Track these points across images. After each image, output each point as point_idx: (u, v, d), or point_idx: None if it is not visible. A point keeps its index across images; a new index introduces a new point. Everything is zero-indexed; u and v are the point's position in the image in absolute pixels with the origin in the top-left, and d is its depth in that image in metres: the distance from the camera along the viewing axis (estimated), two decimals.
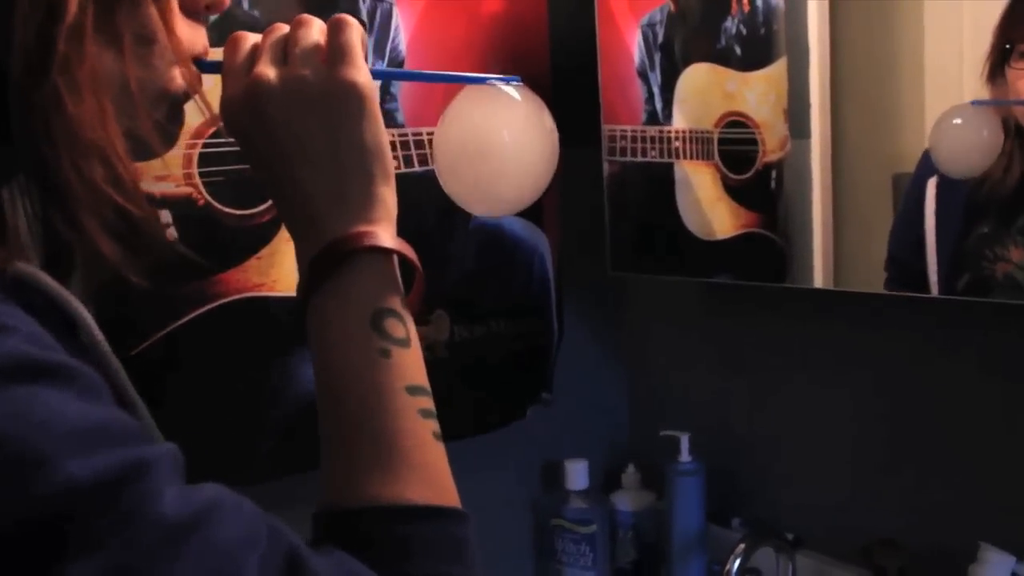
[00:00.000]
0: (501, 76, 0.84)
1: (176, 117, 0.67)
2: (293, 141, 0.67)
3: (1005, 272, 1.07)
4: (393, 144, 1.35)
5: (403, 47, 1.35)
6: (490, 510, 1.59)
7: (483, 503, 1.57)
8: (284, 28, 0.69)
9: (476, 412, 1.50)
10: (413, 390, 0.66)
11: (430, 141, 1.38)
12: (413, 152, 1.37)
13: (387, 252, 0.68)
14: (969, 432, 1.25)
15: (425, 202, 1.38)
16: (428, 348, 1.41)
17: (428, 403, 0.68)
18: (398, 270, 0.69)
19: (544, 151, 0.88)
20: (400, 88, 1.35)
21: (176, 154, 1.20)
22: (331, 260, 0.66)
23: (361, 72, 0.67)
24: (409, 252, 0.70)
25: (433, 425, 0.68)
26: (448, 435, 1.52)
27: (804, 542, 1.41)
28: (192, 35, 0.66)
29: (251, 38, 0.70)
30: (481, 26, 1.42)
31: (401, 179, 1.37)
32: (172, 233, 1.21)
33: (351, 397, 0.65)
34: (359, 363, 0.65)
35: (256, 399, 1.27)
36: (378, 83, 1.32)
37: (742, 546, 1.33)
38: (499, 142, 0.84)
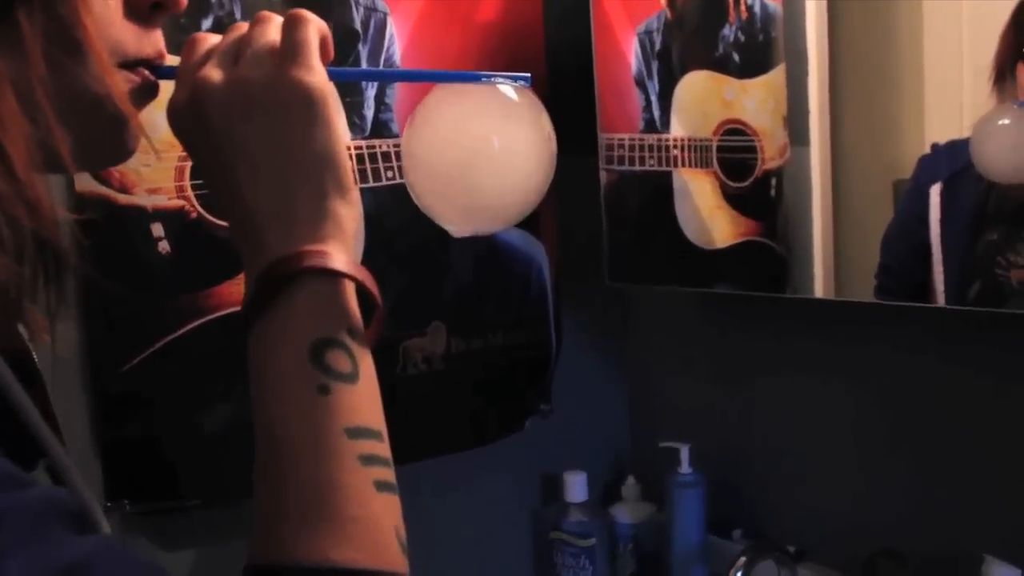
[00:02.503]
0: (508, 74, 0.74)
1: (118, 129, 0.60)
2: (234, 149, 0.61)
3: (1021, 279, 1.06)
4: (388, 154, 1.34)
5: (397, 57, 1.34)
6: (488, 522, 1.59)
7: (481, 515, 1.58)
8: (244, 27, 0.64)
9: (474, 424, 1.49)
10: (355, 433, 0.59)
11: None
12: None
13: (333, 275, 0.61)
14: (973, 443, 1.24)
15: (420, 212, 1.37)
16: (425, 360, 1.40)
17: (374, 448, 0.60)
18: (352, 296, 0.62)
19: (541, 161, 0.81)
20: (395, 97, 1.34)
21: (168, 167, 1.19)
22: (271, 282, 0.60)
23: (312, 73, 0.61)
24: (363, 276, 0.62)
25: (377, 473, 0.60)
26: (447, 447, 1.51)
27: (806, 554, 1.40)
28: (138, 39, 0.60)
29: (210, 39, 0.65)
30: (476, 34, 1.41)
31: (396, 189, 1.37)
32: (164, 246, 1.20)
33: (281, 439, 0.58)
34: (293, 400, 0.59)
35: (251, 413, 1.26)
36: (373, 86, 1.32)
37: (743, 559, 1.32)
38: (487, 150, 0.77)
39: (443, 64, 1.39)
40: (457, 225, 0.92)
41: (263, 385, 0.60)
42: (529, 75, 0.73)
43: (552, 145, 0.83)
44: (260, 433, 0.59)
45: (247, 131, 0.60)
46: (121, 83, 0.59)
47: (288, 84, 0.60)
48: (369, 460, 0.59)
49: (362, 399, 0.60)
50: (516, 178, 0.81)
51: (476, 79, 0.74)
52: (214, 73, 0.61)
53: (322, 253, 0.60)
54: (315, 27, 0.62)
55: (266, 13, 0.64)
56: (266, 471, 0.58)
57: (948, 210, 1.13)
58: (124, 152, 0.62)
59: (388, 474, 0.61)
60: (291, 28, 0.62)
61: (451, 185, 0.80)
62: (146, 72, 0.61)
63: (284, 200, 0.61)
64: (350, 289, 0.61)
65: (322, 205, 0.61)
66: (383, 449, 0.61)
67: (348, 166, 0.64)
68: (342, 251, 0.62)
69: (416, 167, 0.83)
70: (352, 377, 0.60)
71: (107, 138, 0.60)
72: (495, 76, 0.73)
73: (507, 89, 0.76)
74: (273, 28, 0.63)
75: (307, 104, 0.61)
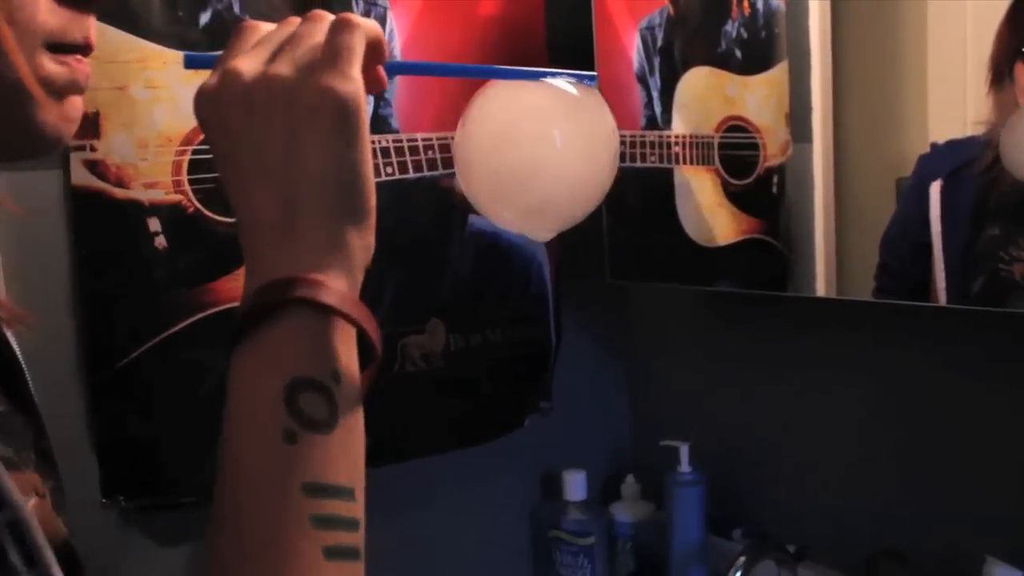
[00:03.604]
0: (574, 71, 0.69)
1: (30, 117, 0.53)
2: (250, 151, 0.57)
3: None
4: (387, 150, 1.33)
5: (398, 51, 1.33)
6: (487, 521, 1.58)
7: (480, 514, 1.57)
8: (296, 23, 0.60)
9: (473, 422, 1.48)
10: (316, 490, 0.53)
11: (425, 147, 1.36)
12: (408, 158, 1.35)
13: (326, 310, 0.55)
14: (975, 444, 1.24)
15: (420, 209, 1.37)
16: (424, 358, 1.40)
17: (337, 508, 0.54)
18: (347, 335, 0.57)
19: (606, 158, 0.76)
20: (394, 93, 1.33)
21: (165, 161, 1.19)
22: (259, 306, 0.55)
23: (346, 81, 0.56)
24: (359, 316, 0.56)
25: (333, 538, 0.54)
26: (446, 445, 1.50)
27: (806, 554, 1.39)
28: (68, 23, 0.53)
29: (261, 29, 0.60)
30: (477, 29, 1.41)
31: (395, 185, 1.36)
32: (161, 241, 1.19)
33: (233, 481, 0.53)
34: (254, 442, 0.53)
35: None
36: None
37: (743, 558, 1.32)
38: (550, 148, 0.72)
39: (444, 59, 1.38)
40: (517, 227, 0.88)
41: (230, 416, 0.56)
42: (595, 74, 0.70)
43: (616, 142, 0.79)
44: (220, 466, 0.55)
45: (266, 133, 0.56)
46: (45, 67, 0.52)
47: (317, 90, 0.56)
48: (326, 522, 0.53)
49: (334, 453, 0.54)
50: (581, 176, 0.77)
51: (540, 76, 0.70)
52: (246, 65, 0.57)
53: (318, 284, 0.55)
54: (362, 33, 0.58)
55: (320, 12, 0.60)
56: (215, 509, 0.54)
57: (949, 207, 1.12)
58: (40, 142, 0.54)
59: (349, 539, 0.55)
60: (336, 32, 0.58)
61: (512, 185, 0.75)
62: (77, 57, 0.55)
63: (290, 216, 0.56)
64: (345, 328, 0.56)
65: (332, 229, 0.57)
66: (350, 510, 0.55)
67: (371, 191, 0.58)
68: (344, 284, 0.57)
69: (472, 167, 0.79)
70: (326, 426, 0.54)
71: (17, 126, 0.53)
72: (560, 74, 0.69)
73: (561, 83, 0.71)
74: (322, 29, 0.59)
75: (333, 114, 0.56)
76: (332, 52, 0.57)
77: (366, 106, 0.57)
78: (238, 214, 0.58)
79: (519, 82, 0.69)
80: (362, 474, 0.57)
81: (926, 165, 1.15)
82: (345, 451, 0.56)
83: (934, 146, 1.14)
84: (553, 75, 0.70)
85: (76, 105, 0.56)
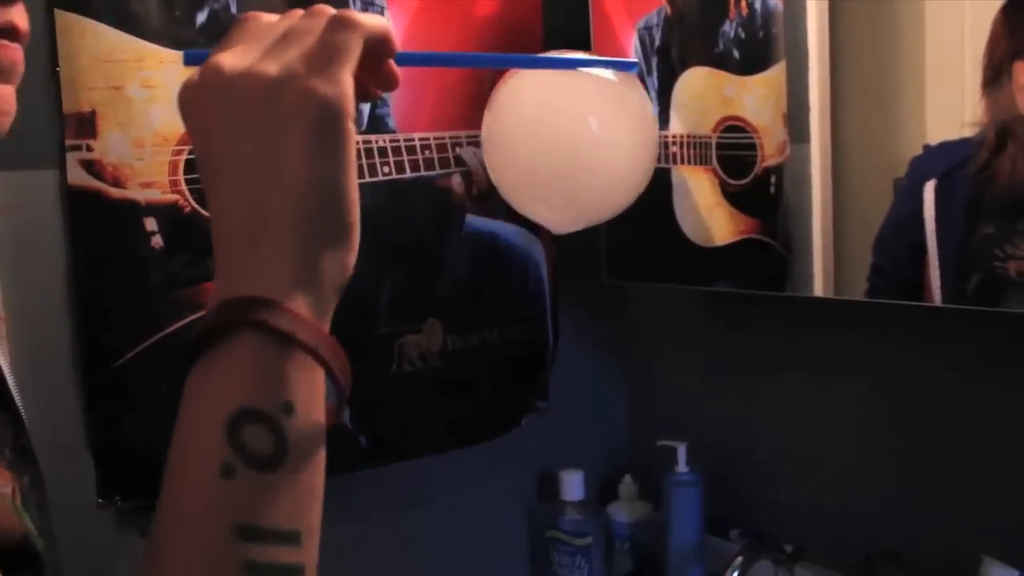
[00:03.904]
0: (613, 59, 0.65)
1: None
2: (224, 153, 0.52)
3: (1019, 270, 1.06)
4: (384, 150, 1.33)
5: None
6: (484, 521, 1.58)
7: (477, 514, 1.57)
8: (297, 16, 0.56)
9: (471, 422, 1.48)
10: (250, 533, 0.48)
11: (422, 146, 1.36)
12: (405, 158, 1.35)
13: (280, 336, 0.50)
14: (972, 444, 1.24)
15: (417, 209, 1.37)
16: (421, 357, 1.39)
17: (276, 555, 0.49)
18: (308, 365, 0.51)
19: (647, 146, 0.70)
20: (391, 92, 1.33)
21: (161, 160, 1.18)
22: (212, 326, 0.50)
23: (332, 84, 0.51)
24: (322, 345, 0.51)
25: None
26: (443, 445, 1.51)
27: (803, 554, 1.39)
28: None
29: (262, 22, 0.56)
30: (474, 29, 1.40)
31: (392, 185, 1.36)
32: (158, 241, 1.19)
33: (167, 516, 0.49)
34: (190, 473, 0.49)
35: None
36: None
37: (740, 558, 1.32)
38: (588, 134, 0.66)
39: None
40: (546, 219, 0.83)
41: (173, 443, 0.51)
42: (636, 61, 0.66)
43: (656, 133, 0.74)
44: (161, 490, 0.51)
45: (241, 135, 0.52)
46: None
47: (298, 91, 0.51)
48: (259, 570, 0.48)
49: (279, 493, 0.49)
50: (620, 167, 0.73)
51: (578, 65, 0.63)
52: (229, 60, 0.53)
53: (276, 307, 0.50)
54: (360, 33, 0.53)
55: (322, 7, 0.56)
56: (152, 528, 0.50)
57: (943, 206, 1.13)
58: None
59: None
60: (330, 30, 0.53)
61: (546, 174, 0.70)
62: (3, 43, 0.53)
63: (258, 227, 0.51)
64: (305, 357, 0.51)
65: (302, 246, 0.51)
66: (293, 556, 0.50)
67: (352, 206, 0.53)
68: (308, 308, 0.51)
69: (502, 154, 0.74)
70: (269, 463, 0.49)
71: None
72: (599, 62, 0.66)
73: (605, 72, 0.68)
74: (319, 25, 0.54)
75: (313, 119, 0.51)
76: (321, 52, 0.52)
77: (353, 112, 0.53)
78: (211, 219, 0.54)
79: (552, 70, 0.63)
80: (315, 517, 0.52)
81: (919, 166, 1.15)
82: (293, 492, 0.50)
83: (927, 147, 1.14)
84: (589, 64, 0.63)
85: (4, 96, 0.53)
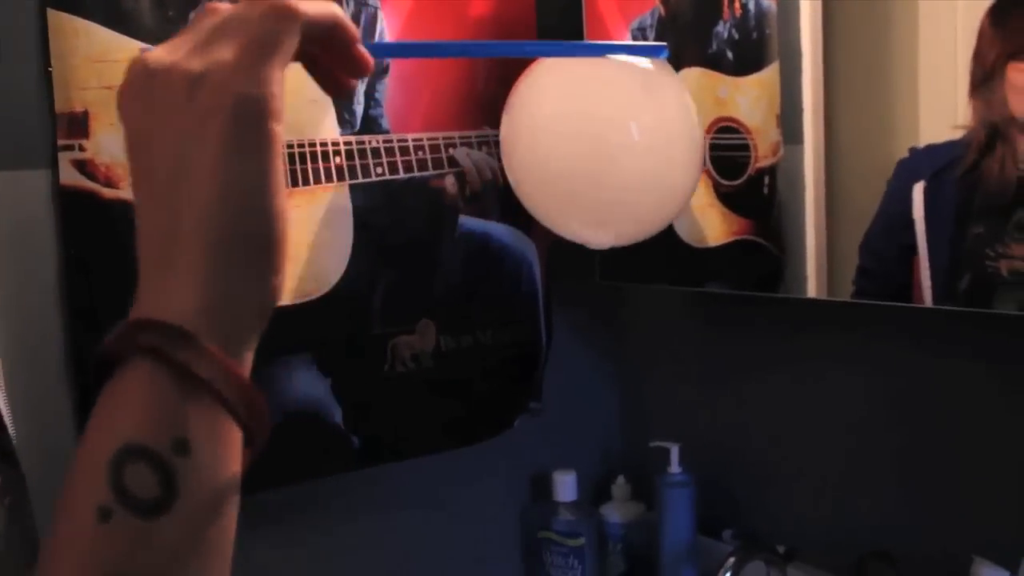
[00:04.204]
0: (638, 43, 0.57)
1: None
2: (146, 156, 0.47)
3: (1011, 268, 1.07)
4: (377, 151, 1.33)
5: None
6: (477, 522, 1.58)
7: (470, 514, 1.57)
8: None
9: (464, 423, 1.48)
10: None
11: (416, 147, 1.36)
12: (398, 159, 1.35)
13: (176, 367, 0.44)
14: (962, 445, 1.24)
15: (411, 210, 1.36)
16: (414, 358, 1.39)
17: None
18: (212, 401, 0.45)
19: (691, 146, 0.59)
20: (385, 93, 1.33)
21: None
22: (107, 351, 0.46)
23: (251, 80, 0.46)
24: (222, 378, 0.45)
25: None
26: (436, 446, 1.50)
27: (796, 555, 1.39)
28: None
29: (217, 10, 0.50)
30: (468, 29, 1.40)
31: (385, 186, 1.36)
32: None
33: (41, 565, 0.44)
34: (67, 514, 0.44)
35: None
36: (363, 81, 1.30)
37: (732, 559, 1.32)
38: (626, 139, 0.56)
39: (435, 59, 1.38)
40: (579, 234, 0.68)
41: (64, 478, 0.46)
42: (665, 44, 0.57)
43: (700, 127, 0.60)
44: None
45: (160, 137, 0.47)
46: None
47: (216, 88, 0.46)
48: None
49: (162, 541, 0.43)
50: (660, 172, 0.60)
51: (598, 52, 0.56)
52: (157, 55, 0.48)
53: (174, 334, 0.44)
54: (296, 22, 0.48)
55: None
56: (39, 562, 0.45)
57: (933, 207, 1.13)
58: None
59: None
60: (261, 20, 0.48)
61: (578, 181, 0.57)
62: None
63: (170, 243, 0.46)
64: (201, 390, 0.45)
65: (214, 266, 0.45)
66: None
67: (277, 221, 0.47)
68: (218, 338, 0.45)
69: (524, 159, 0.60)
70: (153, 509, 0.43)
71: None
72: (621, 47, 0.57)
73: (639, 60, 0.55)
74: (255, 14, 0.48)
75: (231, 120, 0.46)
76: (251, 45, 0.47)
77: (280, 113, 0.47)
78: (138, 229, 0.48)
79: (580, 58, 0.53)
80: (211, 570, 0.45)
81: (906, 168, 1.15)
82: (181, 542, 0.44)
83: (912, 150, 1.15)
84: (614, 51, 0.56)
85: None
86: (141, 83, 0.48)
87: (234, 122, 0.46)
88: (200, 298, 0.45)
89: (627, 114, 0.54)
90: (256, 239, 0.46)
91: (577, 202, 0.58)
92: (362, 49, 0.53)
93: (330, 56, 0.52)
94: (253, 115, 0.46)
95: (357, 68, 0.54)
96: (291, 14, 0.48)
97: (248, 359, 0.48)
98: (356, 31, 0.52)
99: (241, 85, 0.46)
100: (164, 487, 0.43)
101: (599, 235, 0.64)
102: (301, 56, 0.51)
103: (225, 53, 0.47)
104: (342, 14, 0.51)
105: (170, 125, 0.46)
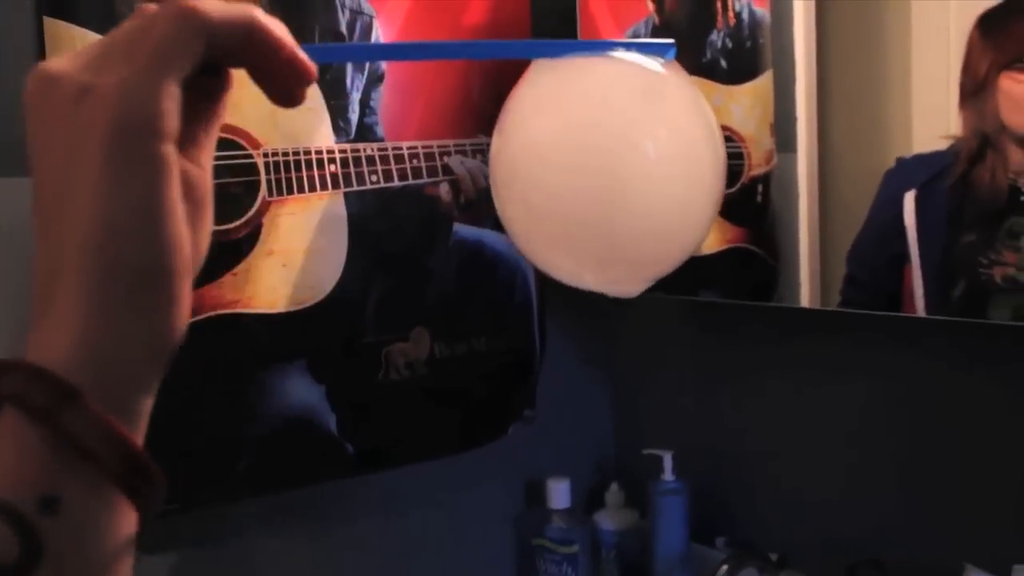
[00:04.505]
0: (640, 40, 0.50)
1: None
2: (37, 175, 0.43)
3: (1004, 275, 1.07)
4: (371, 159, 1.33)
5: (382, 63, 1.33)
6: (471, 529, 1.58)
7: (464, 521, 1.57)
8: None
9: (458, 430, 1.48)
10: None
11: (410, 155, 1.36)
12: (393, 167, 1.35)
13: (40, 414, 0.39)
14: (955, 453, 1.24)
15: (405, 217, 1.37)
16: (408, 366, 1.39)
17: None
18: (85, 454, 0.39)
19: (713, 165, 0.51)
20: (380, 101, 1.33)
21: None
22: None
23: (137, 92, 0.40)
24: (94, 431, 0.40)
25: None
26: (430, 453, 1.50)
27: (788, 562, 1.39)
28: None
29: (146, 12, 0.44)
30: (463, 38, 1.41)
31: (380, 194, 1.36)
32: None
33: None
34: None
35: (232, 417, 1.25)
36: (358, 89, 1.30)
37: (725, 567, 1.32)
38: (637, 161, 0.47)
39: (429, 67, 1.38)
40: (590, 279, 0.59)
41: None
42: (671, 42, 0.51)
43: (721, 138, 0.53)
44: None
45: (48, 155, 0.42)
46: None
47: (99, 101, 0.41)
48: None
49: None
50: (681, 198, 0.51)
51: (596, 49, 0.48)
52: (52, 64, 0.43)
53: (44, 379, 0.39)
54: (192, 27, 0.42)
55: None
56: None
57: (924, 216, 1.14)
58: None
59: None
60: (162, 24, 0.42)
61: (584, 218, 0.49)
62: None
63: (52, 274, 0.41)
64: (65, 441, 0.39)
65: (95, 301, 0.40)
66: None
67: (172, 249, 0.41)
68: (96, 384, 0.40)
69: (518, 192, 0.52)
70: (12, 573, 0.37)
71: None
72: (619, 45, 0.49)
73: (647, 61, 0.49)
74: (160, 18, 0.42)
75: (110, 137, 0.40)
76: (144, 53, 0.41)
77: (170, 132, 0.41)
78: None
79: (579, 59, 0.47)
80: None
81: (895, 178, 1.16)
82: None
83: (900, 160, 1.15)
84: (612, 48, 0.48)
85: None
86: (38, 92, 0.43)
87: (113, 140, 0.40)
88: (78, 340, 0.40)
89: (641, 130, 0.47)
90: (145, 272, 0.41)
91: (589, 244, 0.50)
92: (298, 54, 0.46)
93: (265, 63, 0.46)
94: (135, 133, 0.40)
95: (294, 75, 0.47)
96: (192, 19, 0.42)
97: (142, 408, 0.43)
98: (284, 35, 0.46)
99: (125, 99, 0.40)
100: (25, 549, 0.37)
101: (623, 282, 0.56)
102: (240, 62, 0.46)
103: (120, 62, 0.41)
104: (260, 17, 0.44)
105: (57, 141, 0.42)
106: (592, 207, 0.49)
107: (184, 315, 0.43)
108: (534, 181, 0.51)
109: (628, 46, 0.49)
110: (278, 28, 0.45)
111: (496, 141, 0.53)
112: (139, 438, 0.43)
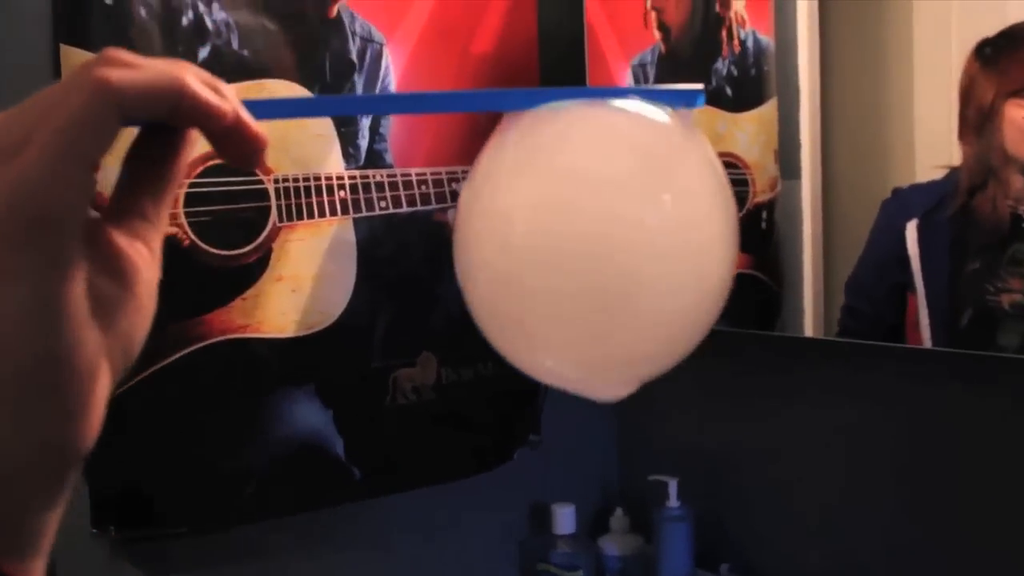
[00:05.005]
0: (667, 87, 0.44)
1: None
2: None
3: (1012, 301, 1.08)
4: (380, 185, 1.34)
5: (393, 87, 1.34)
6: (476, 553, 1.58)
7: (469, 546, 1.57)
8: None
9: (464, 455, 1.48)
10: None
11: (419, 181, 1.37)
12: (401, 193, 1.36)
13: None
14: (956, 484, 1.24)
15: (413, 243, 1.37)
16: (415, 391, 1.40)
17: None
18: None
19: (727, 234, 0.43)
20: (389, 128, 1.34)
21: None
22: None
23: (33, 185, 0.34)
24: None
25: None
26: (436, 478, 1.50)
27: None
28: None
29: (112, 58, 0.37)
30: (471, 66, 1.42)
31: (388, 219, 1.37)
32: None
33: None
34: None
35: (240, 441, 1.25)
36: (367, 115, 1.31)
37: None
38: (648, 242, 0.39)
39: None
40: (573, 383, 0.48)
41: None
42: (701, 87, 0.46)
43: (733, 204, 0.45)
44: None
45: None
46: None
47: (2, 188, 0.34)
48: None
49: None
50: (697, 275, 0.43)
51: (613, 96, 0.41)
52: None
53: None
54: (108, 108, 0.36)
55: (109, 53, 0.37)
56: None
57: (927, 245, 1.14)
58: None
59: None
60: (70, 99, 0.36)
61: (575, 314, 0.41)
62: None
63: None
64: None
65: None
66: None
67: (73, 360, 0.36)
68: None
69: (486, 277, 0.44)
70: None
71: None
72: (640, 92, 0.42)
73: (652, 111, 0.42)
74: (70, 88, 0.36)
75: (18, 231, 0.34)
76: (48, 132, 0.35)
77: (75, 226, 0.36)
78: None
79: (564, 111, 0.40)
80: None
81: (894, 208, 1.16)
82: None
83: (896, 191, 1.16)
84: (632, 95, 0.41)
85: None
86: None
87: (4, 233, 0.34)
88: None
89: (639, 207, 0.39)
90: (31, 377, 0.35)
91: (576, 337, 0.42)
92: (242, 120, 0.40)
93: (206, 128, 0.39)
94: (29, 227, 0.34)
95: (242, 141, 0.40)
96: (104, 94, 0.35)
97: (40, 527, 0.38)
98: (221, 101, 0.39)
99: (22, 188, 0.34)
100: None
101: (602, 377, 0.46)
102: (185, 126, 0.40)
103: (25, 143, 0.35)
104: (190, 84, 0.38)
105: None
106: (587, 298, 0.40)
107: (92, 421, 0.38)
108: (499, 278, 0.41)
109: (645, 93, 0.40)
110: (213, 94, 0.38)
111: (462, 211, 0.41)
112: (37, 560, 0.38)
